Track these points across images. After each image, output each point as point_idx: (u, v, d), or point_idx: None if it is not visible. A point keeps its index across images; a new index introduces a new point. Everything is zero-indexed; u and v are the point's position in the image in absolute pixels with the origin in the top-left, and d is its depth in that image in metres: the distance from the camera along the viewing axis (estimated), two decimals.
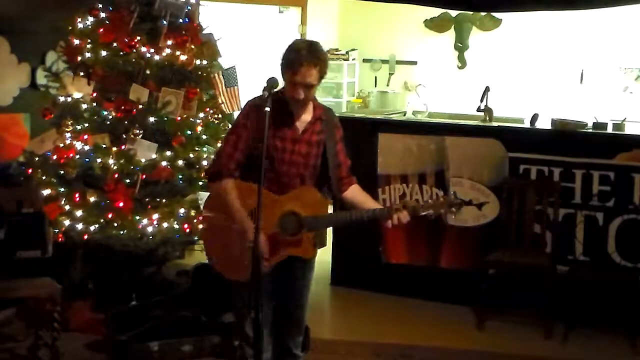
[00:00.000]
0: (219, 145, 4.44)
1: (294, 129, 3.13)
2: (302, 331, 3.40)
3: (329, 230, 5.69)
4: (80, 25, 4.80)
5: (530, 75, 8.17)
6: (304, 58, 2.97)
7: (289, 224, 3.05)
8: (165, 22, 4.71)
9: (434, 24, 8.86)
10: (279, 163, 3.10)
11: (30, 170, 4.78)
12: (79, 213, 4.54)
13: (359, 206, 3.20)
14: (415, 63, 9.02)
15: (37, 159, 4.79)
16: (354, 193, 3.26)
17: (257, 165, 2.94)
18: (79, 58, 4.76)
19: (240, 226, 3.04)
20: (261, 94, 2.95)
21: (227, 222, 3.10)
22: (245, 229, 3.02)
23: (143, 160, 4.56)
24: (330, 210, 3.28)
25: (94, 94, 4.74)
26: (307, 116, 3.16)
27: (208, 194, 3.39)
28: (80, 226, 4.53)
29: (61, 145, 4.67)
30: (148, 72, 4.69)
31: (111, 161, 4.52)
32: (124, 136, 4.59)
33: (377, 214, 3.11)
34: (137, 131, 4.57)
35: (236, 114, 4.56)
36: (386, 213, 3.07)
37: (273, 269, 3.10)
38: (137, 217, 4.50)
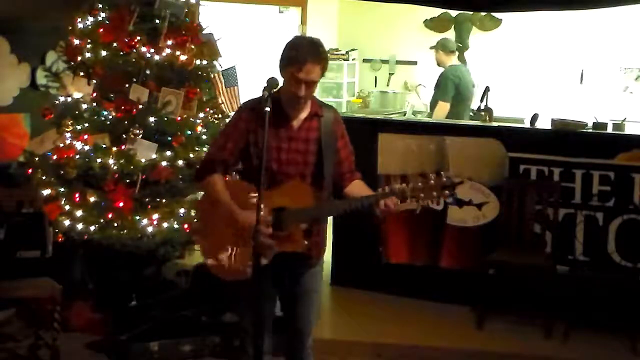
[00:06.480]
0: None
1: (289, 127, 3.06)
2: (304, 340, 3.26)
3: (329, 230, 5.78)
4: (80, 25, 4.80)
5: (530, 75, 8.15)
6: (308, 55, 2.93)
7: (278, 219, 2.98)
8: (165, 22, 4.71)
9: (434, 24, 8.85)
10: (276, 163, 3.03)
11: (30, 170, 4.78)
12: (79, 213, 4.54)
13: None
14: (415, 63, 9.01)
15: (37, 159, 4.78)
16: (353, 187, 3.16)
17: (254, 168, 2.93)
18: (79, 58, 4.76)
19: (229, 215, 3.00)
20: (261, 94, 2.93)
21: (218, 220, 3.05)
22: (235, 217, 2.98)
23: (143, 160, 4.55)
24: None
25: (94, 94, 4.74)
26: (303, 113, 3.09)
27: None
28: (80, 226, 4.52)
29: (61, 145, 4.67)
30: (148, 72, 4.69)
31: (111, 161, 4.52)
32: (124, 136, 4.59)
33: (364, 202, 2.98)
34: (137, 131, 4.57)
35: None
36: (374, 200, 2.95)
37: (274, 272, 3.03)
38: (137, 217, 4.50)
